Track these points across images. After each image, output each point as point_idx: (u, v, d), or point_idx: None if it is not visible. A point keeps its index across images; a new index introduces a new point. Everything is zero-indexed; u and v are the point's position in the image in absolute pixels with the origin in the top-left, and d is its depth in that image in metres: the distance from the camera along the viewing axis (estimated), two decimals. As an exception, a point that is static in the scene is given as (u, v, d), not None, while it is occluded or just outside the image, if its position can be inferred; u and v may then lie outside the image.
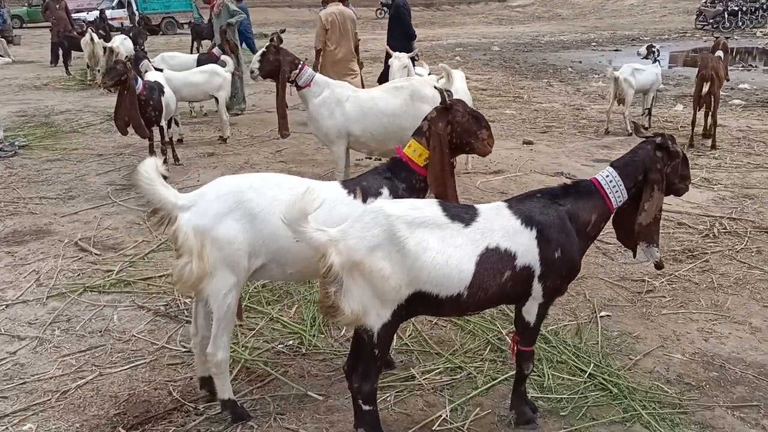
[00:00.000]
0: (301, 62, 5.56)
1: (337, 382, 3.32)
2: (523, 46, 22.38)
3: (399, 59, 7.06)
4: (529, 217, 2.69)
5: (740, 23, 27.14)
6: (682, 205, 5.74)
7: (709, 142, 8.07)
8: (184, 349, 3.65)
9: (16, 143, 8.33)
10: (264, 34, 26.05)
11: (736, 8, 27.31)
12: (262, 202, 2.79)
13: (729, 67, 9.32)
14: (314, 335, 3.77)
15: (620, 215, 2.94)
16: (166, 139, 7.38)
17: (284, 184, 2.89)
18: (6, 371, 3.45)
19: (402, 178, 3.11)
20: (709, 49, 9.04)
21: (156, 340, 3.77)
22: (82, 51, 13.89)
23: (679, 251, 4.92)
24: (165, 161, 5.85)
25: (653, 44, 9.63)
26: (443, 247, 2.54)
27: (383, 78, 9.01)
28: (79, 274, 4.63)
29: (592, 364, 3.42)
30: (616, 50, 20.99)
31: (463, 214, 2.66)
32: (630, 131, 8.75)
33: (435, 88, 3.90)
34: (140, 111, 6.58)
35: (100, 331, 3.85)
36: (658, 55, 9.21)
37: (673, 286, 4.39)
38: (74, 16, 18.43)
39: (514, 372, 3.21)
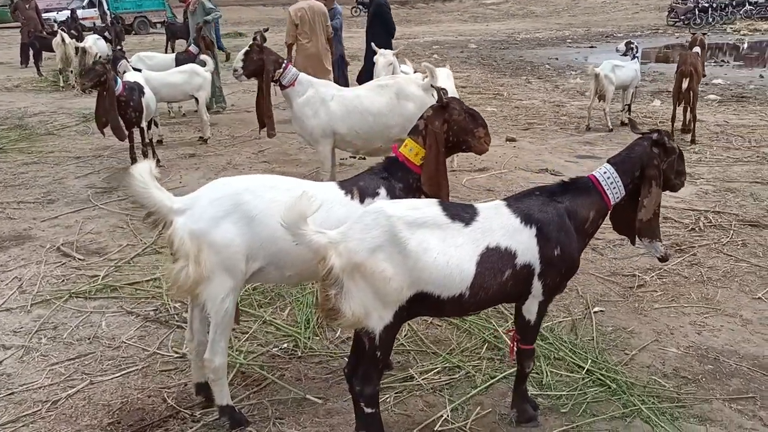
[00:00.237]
0: (285, 61, 5.51)
1: (335, 384, 3.28)
2: (500, 44, 22.48)
3: (384, 56, 7.03)
4: (529, 216, 2.68)
5: (711, 19, 27.60)
6: (666, 200, 5.78)
7: (688, 137, 8.18)
8: (176, 355, 3.58)
9: (-10, 146, 8.14)
10: (239, 33, 25.91)
11: (707, 5, 27.76)
12: (260, 205, 2.74)
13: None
14: (309, 337, 3.72)
15: (617, 211, 2.95)
16: (147, 140, 7.26)
17: (281, 186, 2.84)
18: (-8, 382, 3.35)
19: (399, 178, 3.07)
20: (686, 46, 9.16)
21: (147, 346, 3.69)
22: (53, 51, 13.60)
23: (667, 246, 4.96)
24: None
25: (632, 41, 9.73)
26: (444, 248, 2.52)
27: (363, 76, 8.98)
28: (63, 280, 4.51)
29: (589, 360, 3.43)
30: (592, 47, 21.19)
31: (462, 213, 2.64)
32: (611, 127, 8.84)
33: (432, 86, 3.88)
34: (120, 112, 6.46)
35: (89, 339, 3.76)
36: (637, 52, 9.30)
37: (664, 280, 4.43)
38: (44, 15, 18.03)
39: (512, 370, 3.22)
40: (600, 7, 38.69)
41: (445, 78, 6.37)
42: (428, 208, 2.59)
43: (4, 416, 3.07)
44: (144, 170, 2.66)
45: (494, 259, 2.59)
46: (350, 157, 7.40)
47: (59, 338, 3.76)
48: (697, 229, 5.29)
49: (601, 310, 4.03)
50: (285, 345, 3.68)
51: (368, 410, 2.66)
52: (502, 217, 2.67)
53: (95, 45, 12.85)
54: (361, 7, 34.10)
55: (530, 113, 10.39)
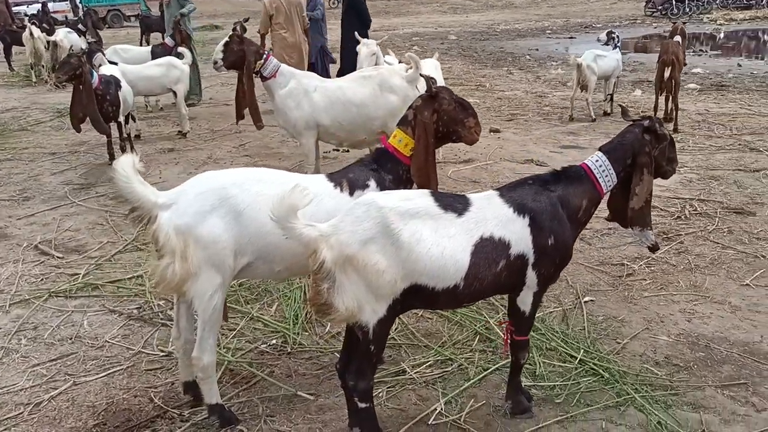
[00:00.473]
0: (267, 52, 5.40)
1: (327, 380, 3.23)
2: (480, 35, 22.47)
3: (367, 46, 6.95)
4: (522, 205, 2.64)
5: (687, 9, 27.85)
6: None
7: (671, 126, 8.21)
8: (162, 353, 3.49)
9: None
10: (215, 25, 25.59)
11: (684, -5, 28.03)
12: (247, 199, 2.66)
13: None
14: (298, 333, 3.65)
15: (610, 199, 2.93)
16: (125, 135, 7.11)
17: (268, 179, 2.77)
18: (-29, 385, 3.24)
19: (388, 169, 3.01)
20: (664, 36, 9.20)
21: (131, 345, 3.59)
22: (24, 46, 13.28)
23: (654, 234, 4.96)
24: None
25: (613, 30, 9.75)
26: (437, 238, 2.47)
27: (343, 68, 8.90)
28: (42, 279, 4.39)
29: (581, 350, 3.41)
30: (571, 37, 21.28)
31: (455, 203, 2.59)
32: (593, 117, 8.85)
33: (421, 75, 3.82)
34: (97, 107, 6.31)
35: (71, 338, 3.65)
36: (619, 41, 9.32)
37: (652, 268, 4.43)
38: (14, 9, 17.62)
39: (505, 362, 3.20)
40: (578, -2, 38.87)
41: (432, 69, 6.30)
42: (420, 198, 2.54)
43: (-16, 420, 2.97)
44: (127, 164, 2.56)
45: (488, 249, 2.55)
46: (333, 149, 7.32)
47: (40, 339, 3.65)
48: (683, 217, 5.31)
49: (591, 300, 4.02)
50: (274, 341, 3.61)
51: (362, 405, 2.61)
52: (494, 207, 2.63)
53: (66, 38, 12.54)
54: (338, -1, 33.90)
55: (513, 104, 10.38)
